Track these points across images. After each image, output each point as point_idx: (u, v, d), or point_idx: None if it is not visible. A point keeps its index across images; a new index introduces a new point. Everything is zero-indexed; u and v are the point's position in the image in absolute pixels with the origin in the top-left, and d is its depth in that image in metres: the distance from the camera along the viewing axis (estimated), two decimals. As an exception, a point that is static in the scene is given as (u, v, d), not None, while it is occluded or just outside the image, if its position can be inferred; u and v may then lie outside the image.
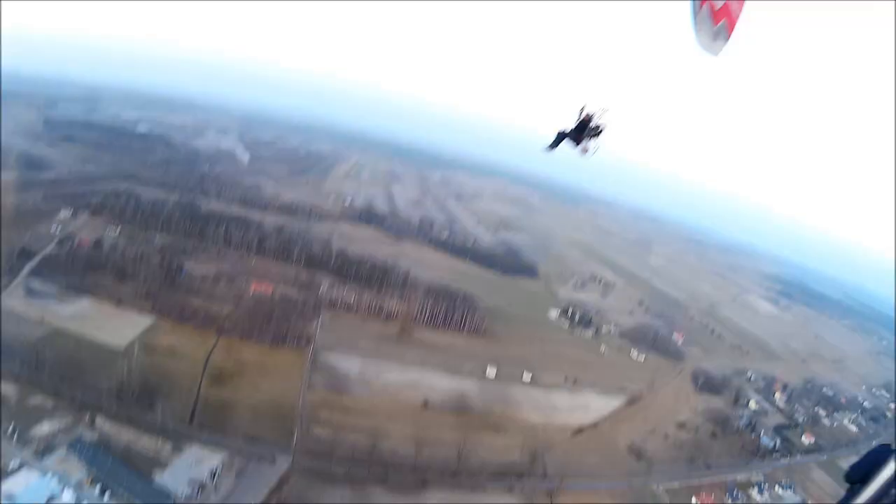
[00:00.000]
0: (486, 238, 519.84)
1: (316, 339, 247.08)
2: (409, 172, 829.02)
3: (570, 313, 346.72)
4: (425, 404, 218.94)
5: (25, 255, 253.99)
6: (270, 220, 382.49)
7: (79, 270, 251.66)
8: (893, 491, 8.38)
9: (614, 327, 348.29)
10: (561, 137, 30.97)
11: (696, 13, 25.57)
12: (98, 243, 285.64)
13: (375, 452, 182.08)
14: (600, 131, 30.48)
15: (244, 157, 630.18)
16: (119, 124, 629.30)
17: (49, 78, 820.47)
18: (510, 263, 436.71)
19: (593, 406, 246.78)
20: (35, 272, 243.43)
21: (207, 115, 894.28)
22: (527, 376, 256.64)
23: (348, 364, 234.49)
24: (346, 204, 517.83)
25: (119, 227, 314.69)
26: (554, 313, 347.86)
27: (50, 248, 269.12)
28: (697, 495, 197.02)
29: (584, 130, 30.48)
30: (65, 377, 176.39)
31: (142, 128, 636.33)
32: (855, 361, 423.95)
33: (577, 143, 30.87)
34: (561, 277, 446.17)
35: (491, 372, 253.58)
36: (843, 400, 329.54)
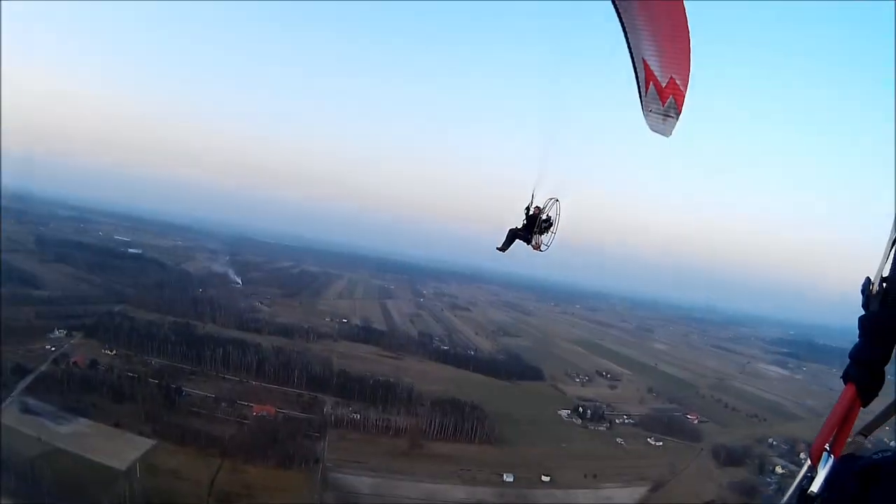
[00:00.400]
0: (486, 346, 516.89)
1: (324, 459, 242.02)
2: (401, 287, 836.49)
3: (580, 410, 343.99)
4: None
5: (20, 371, 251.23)
6: (268, 342, 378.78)
7: (75, 390, 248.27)
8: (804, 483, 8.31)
9: (627, 418, 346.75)
10: (512, 236, 30.98)
11: (642, 97, 25.62)
12: (94, 364, 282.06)
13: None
14: (550, 224, 30.69)
15: (236, 279, 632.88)
16: (111, 246, 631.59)
17: (39, 196, 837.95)
18: (514, 369, 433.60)
19: (617, 498, 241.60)
20: (30, 389, 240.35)
21: (196, 238, 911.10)
22: (545, 477, 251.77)
23: (359, 482, 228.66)
24: (343, 323, 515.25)
25: (114, 349, 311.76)
26: (564, 413, 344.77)
27: (45, 367, 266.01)
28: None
29: (533, 225, 30.52)
30: (64, 497, 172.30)
31: (133, 250, 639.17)
32: (875, 403, 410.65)
33: (528, 240, 30.78)
34: (566, 376, 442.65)
35: (508, 477, 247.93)
36: (869, 444, 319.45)
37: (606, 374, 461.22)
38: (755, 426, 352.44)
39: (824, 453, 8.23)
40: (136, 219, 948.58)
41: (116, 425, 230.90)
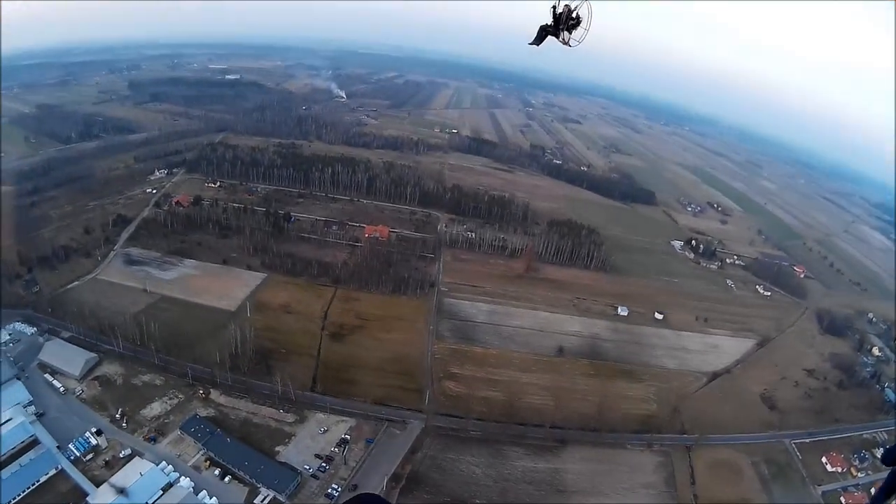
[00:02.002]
0: (598, 162, 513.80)
1: (439, 283, 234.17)
2: (509, 97, 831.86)
3: (693, 244, 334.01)
4: (560, 351, 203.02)
5: (121, 221, 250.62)
6: (377, 158, 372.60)
7: (179, 232, 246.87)
8: None
9: (737, 259, 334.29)
10: (543, 32, 31.15)
11: None
12: (197, 201, 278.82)
13: (511, 409, 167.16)
14: (578, 22, 30.32)
15: (340, 93, 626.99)
16: (206, 76, 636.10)
17: (127, 42, 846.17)
18: (627, 190, 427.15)
19: (725, 349, 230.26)
20: (133, 239, 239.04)
21: (296, 56, 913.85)
22: (658, 315, 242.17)
23: (475, 309, 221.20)
24: (453, 133, 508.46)
25: (218, 181, 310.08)
26: (677, 244, 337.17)
27: (146, 212, 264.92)
28: (827, 455, 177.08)
29: (561, 22, 30.42)
30: (173, 349, 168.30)
31: (231, 76, 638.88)
32: None
33: (557, 36, 30.71)
34: (678, 203, 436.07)
35: (622, 311, 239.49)
36: None
37: (717, 207, 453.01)
38: (857, 295, 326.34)
39: None
40: (232, 45, 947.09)
41: (224, 262, 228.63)
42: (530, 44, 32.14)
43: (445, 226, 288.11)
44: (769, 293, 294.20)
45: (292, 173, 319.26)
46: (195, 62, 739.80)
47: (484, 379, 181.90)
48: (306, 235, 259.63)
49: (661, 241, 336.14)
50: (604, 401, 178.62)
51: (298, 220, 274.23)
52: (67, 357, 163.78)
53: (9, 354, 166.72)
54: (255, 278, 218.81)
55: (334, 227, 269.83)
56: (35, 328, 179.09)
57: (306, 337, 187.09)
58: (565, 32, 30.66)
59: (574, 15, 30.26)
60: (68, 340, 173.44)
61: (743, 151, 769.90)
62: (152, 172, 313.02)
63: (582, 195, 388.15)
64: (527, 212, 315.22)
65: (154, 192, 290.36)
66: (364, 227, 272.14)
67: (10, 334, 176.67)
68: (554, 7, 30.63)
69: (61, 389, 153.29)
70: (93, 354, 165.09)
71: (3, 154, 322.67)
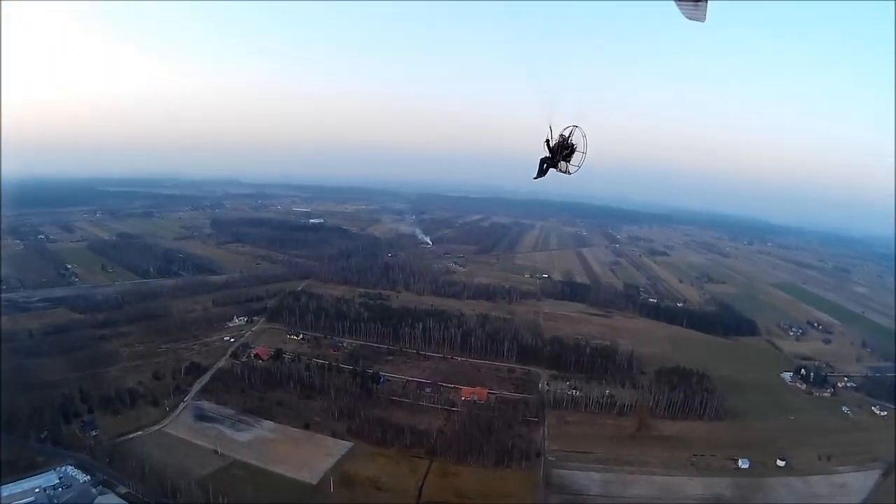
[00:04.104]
0: (693, 295, 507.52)
1: (545, 451, 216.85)
2: (594, 233, 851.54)
3: (802, 373, 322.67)
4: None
5: (194, 370, 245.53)
6: (469, 309, 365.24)
7: (257, 388, 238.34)
8: None
9: (848, 381, 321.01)
10: (543, 164, 37.57)
11: None
12: (278, 354, 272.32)
13: None
14: (573, 150, 36.49)
15: (426, 239, 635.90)
16: (290, 219, 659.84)
17: (213, 179, 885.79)
18: (727, 322, 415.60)
19: (852, 486, 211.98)
20: (206, 391, 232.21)
21: (379, 200, 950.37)
22: (780, 462, 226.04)
23: (587, 479, 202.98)
24: (544, 279, 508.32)
25: (300, 334, 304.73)
26: (787, 376, 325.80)
27: (222, 362, 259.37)
28: None
29: (557, 153, 36.76)
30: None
31: (314, 220, 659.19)
32: None
33: (556, 166, 37.38)
34: (780, 329, 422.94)
35: (743, 463, 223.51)
36: None
37: (818, 326, 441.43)
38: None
39: None
40: (315, 187, 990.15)
41: (306, 427, 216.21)
42: (534, 178, 37.68)
43: (547, 384, 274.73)
44: (885, 412, 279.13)
45: (380, 327, 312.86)
46: (279, 204, 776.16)
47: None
48: (397, 399, 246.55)
49: (771, 374, 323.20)
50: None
51: (388, 380, 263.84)
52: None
53: (55, 500, 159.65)
54: (340, 447, 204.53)
55: (427, 390, 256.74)
56: (89, 476, 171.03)
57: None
58: (562, 162, 35.99)
59: (568, 143, 35.41)
60: (124, 496, 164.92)
61: (828, 257, 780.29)
62: (231, 318, 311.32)
63: (683, 334, 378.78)
64: (631, 360, 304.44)
65: (232, 340, 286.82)
66: (460, 389, 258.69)
67: (59, 478, 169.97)
68: (547, 141, 35.90)
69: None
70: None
71: (78, 279, 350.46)
